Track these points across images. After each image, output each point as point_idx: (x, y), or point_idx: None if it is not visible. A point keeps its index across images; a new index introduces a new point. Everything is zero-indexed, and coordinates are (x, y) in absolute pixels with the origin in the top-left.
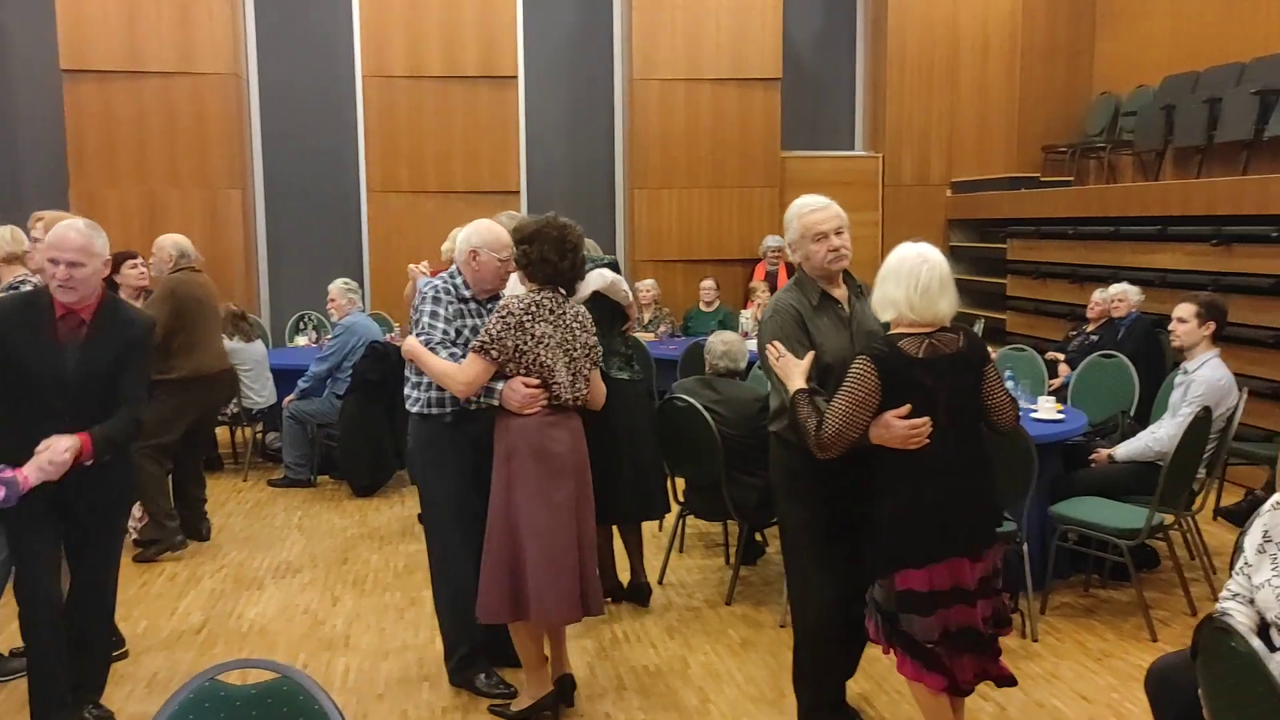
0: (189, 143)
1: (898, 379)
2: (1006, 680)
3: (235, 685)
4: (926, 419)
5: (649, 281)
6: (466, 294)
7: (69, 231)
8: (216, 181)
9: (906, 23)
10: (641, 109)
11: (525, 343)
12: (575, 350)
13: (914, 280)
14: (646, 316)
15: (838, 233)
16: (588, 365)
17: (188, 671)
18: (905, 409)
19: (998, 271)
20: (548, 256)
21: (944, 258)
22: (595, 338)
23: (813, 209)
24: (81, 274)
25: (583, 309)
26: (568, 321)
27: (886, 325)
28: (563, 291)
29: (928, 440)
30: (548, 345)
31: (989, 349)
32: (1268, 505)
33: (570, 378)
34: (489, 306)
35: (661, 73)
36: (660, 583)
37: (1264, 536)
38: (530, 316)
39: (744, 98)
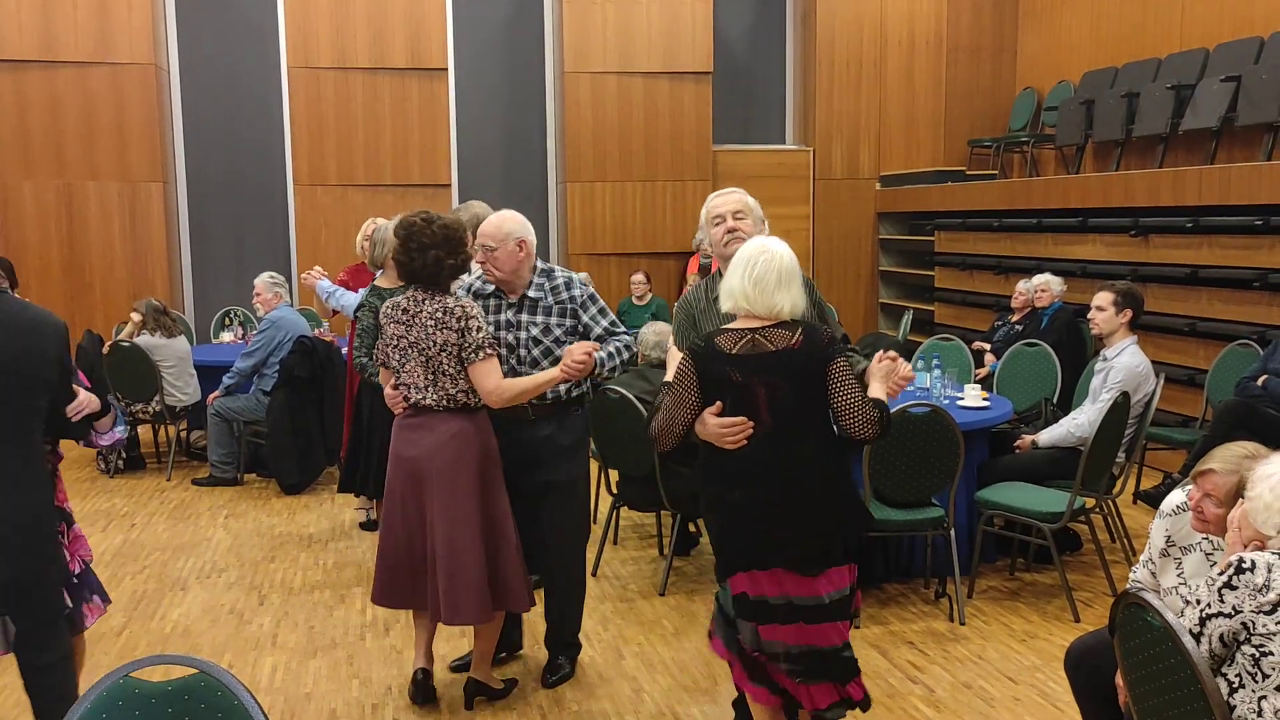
0: (107, 134)
1: (711, 375)
2: (861, 704)
3: (151, 682)
4: (743, 419)
5: (583, 275)
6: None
7: None
8: (137, 174)
9: (834, 19)
10: (573, 102)
11: (382, 343)
12: (430, 350)
13: (750, 270)
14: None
15: (736, 215)
16: (452, 365)
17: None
18: (717, 406)
19: (926, 264)
20: (398, 255)
21: (790, 253)
22: (458, 335)
23: (716, 194)
24: None
25: (447, 305)
26: (422, 320)
27: (730, 316)
28: (425, 290)
29: (745, 441)
30: (397, 346)
31: (840, 350)
32: (1167, 507)
33: (429, 378)
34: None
35: (593, 66)
36: (594, 574)
37: (1167, 541)
38: (385, 316)
39: (675, 92)
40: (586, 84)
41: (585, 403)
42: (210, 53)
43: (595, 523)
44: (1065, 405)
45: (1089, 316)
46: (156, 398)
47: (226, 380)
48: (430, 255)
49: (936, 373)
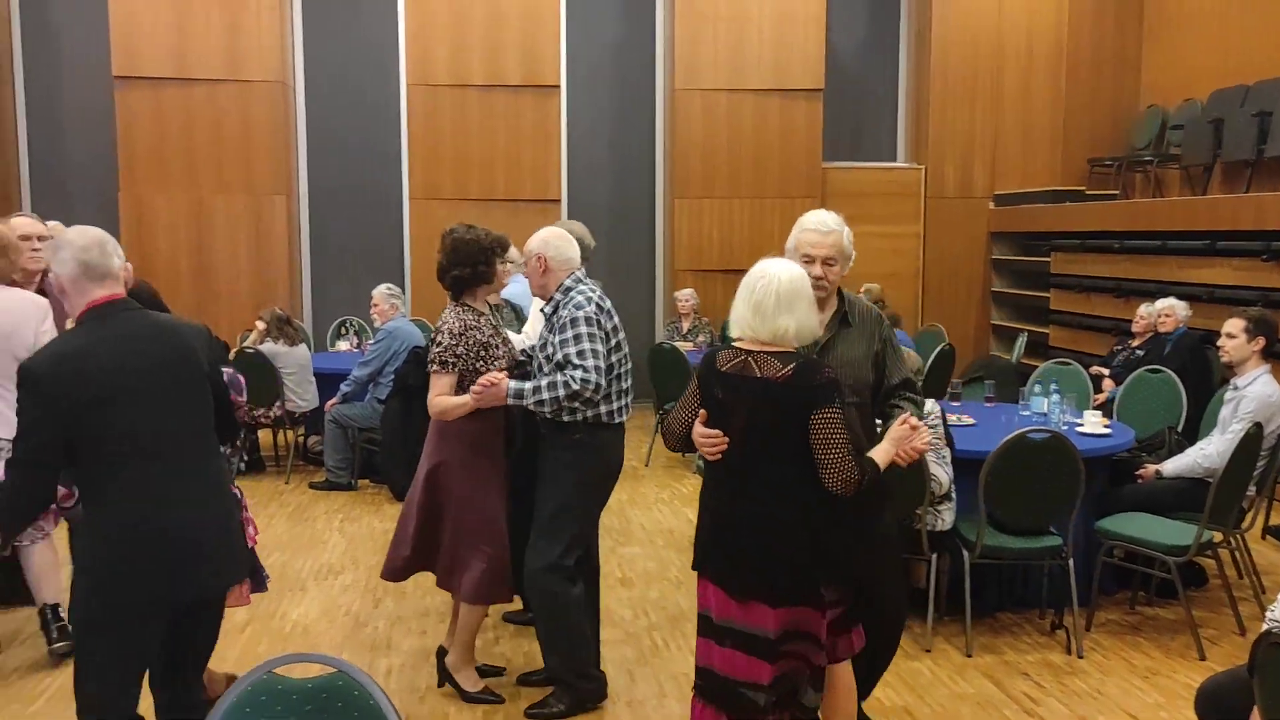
0: (236, 149)
1: (705, 387)
2: None
3: (292, 679)
4: (718, 433)
5: (688, 291)
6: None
7: None
8: (262, 187)
9: (950, 33)
10: (683, 119)
11: None
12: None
13: (749, 294)
14: (686, 326)
15: (827, 261)
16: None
17: (233, 668)
18: (703, 415)
19: (1041, 285)
20: None
21: (791, 274)
22: (433, 344)
23: (812, 228)
24: None
25: (443, 315)
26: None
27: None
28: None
29: (719, 454)
30: None
31: (830, 397)
32: None
33: None
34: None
35: (704, 83)
36: None
37: None
38: None
39: (786, 108)
40: (697, 101)
41: (587, 433)
42: (334, 70)
43: None
44: (1189, 434)
45: (1219, 344)
46: (278, 403)
47: (344, 388)
48: (440, 264)
49: (1055, 398)
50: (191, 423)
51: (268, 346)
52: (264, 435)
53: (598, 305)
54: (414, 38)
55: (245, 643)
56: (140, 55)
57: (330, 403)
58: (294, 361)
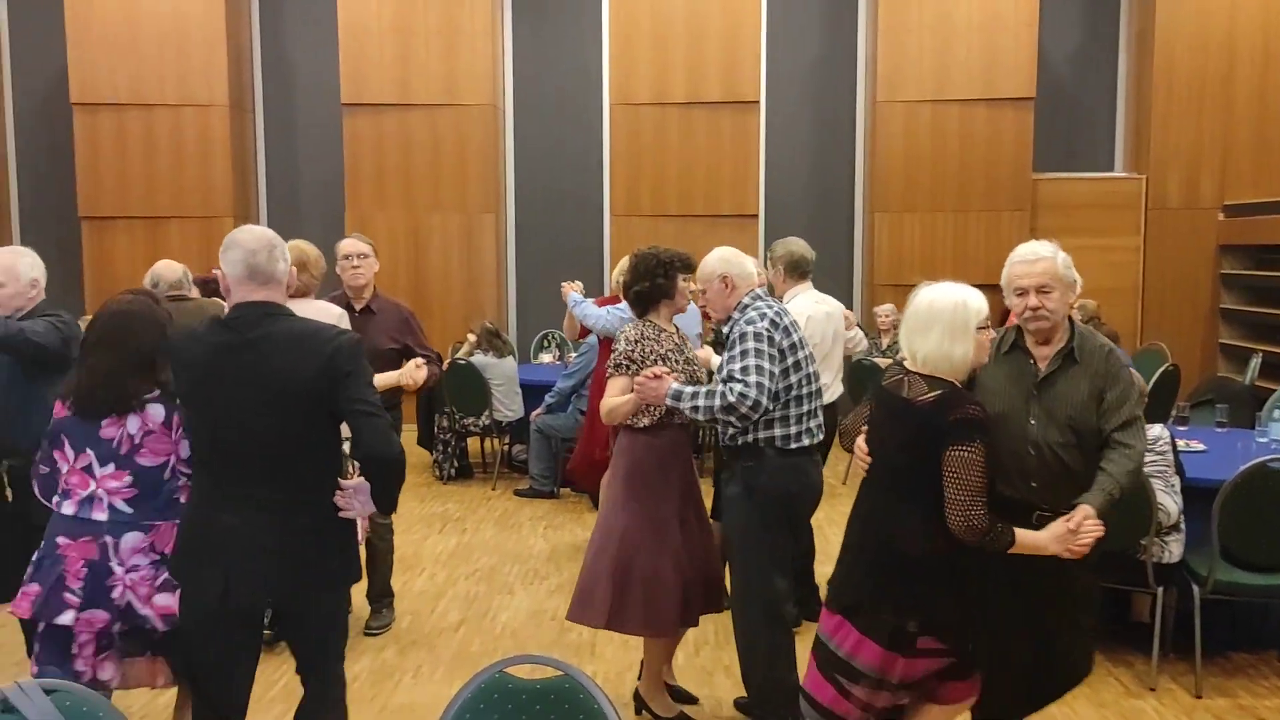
0: (450, 170)
1: (873, 398)
2: None
3: (522, 679)
4: (863, 446)
5: (888, 306)
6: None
7: None
8: (473, 206)
9: (1175, 35)
10: (884, 131)
11: None
12: None
13: (906, 313)
14: (885, 341)
15: (1041, 290)
16: None
17: (449, 666)
18: (864, 429)
19: (1278, 302)
20: None
21: (943, 301)
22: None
23: (1019, 259)
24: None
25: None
26: None
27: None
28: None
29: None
30: None
31: (961, 437)
32: None
33: None
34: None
35: (906, 94)
36: None
37: None
38: None
39: (993, 118)
40: (899, 113)
41: (759, 459)
42: (541, 92)
43: None
44: None
45: None
46: (486, 412)
47: (548, 399)
48: (624, 282)
49: None
50: (271, 436)
51: (478, 358)
52: (472, 443)
53: (771, 322)
54: (617, 58)
55: (459, 642)
56: (366, 83)
57: (535, 413)
58: (501, 373)
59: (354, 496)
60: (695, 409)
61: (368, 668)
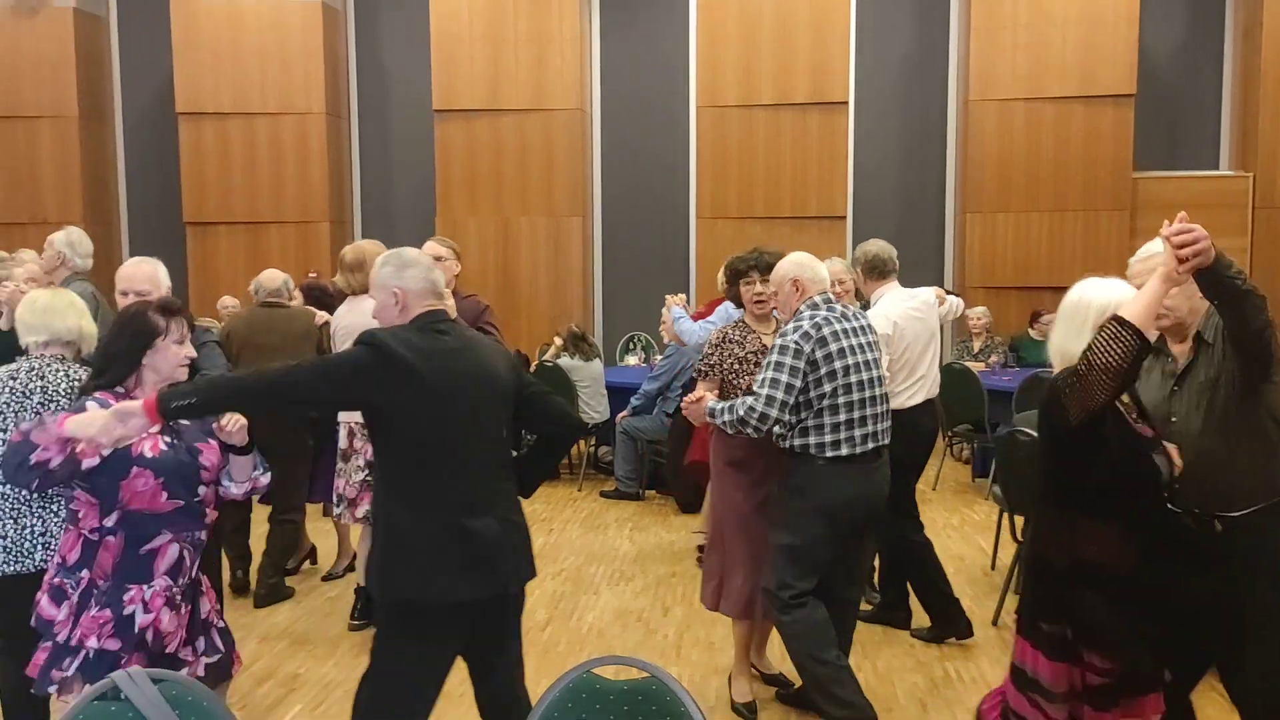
0: (538, 174)
1: None
2: None
3: (609, 680)
4: None
5: (980, 309)
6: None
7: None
8: (561, 209)
9: None
10: (977, 131)
11: None
12: None
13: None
14: (977, 345)
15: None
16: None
17: (536, 665)
18: None
19: None
20: None
21: (1083, 295)
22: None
23: (1137, 257)
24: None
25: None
26: None
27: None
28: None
29: None
30: None
31: (1050, 424)
32: None
33: None
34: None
35: (1000, 93)
36: (994, 624)
37: None
38: None
39: (1091, 115)
40: (992, 111)
41: (794, 464)
42: (628, 96)
43: (994, 569)
44: None
45: None
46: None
47: (634, 401)
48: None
49: None
50: (498, 431)
51: (564, 360)
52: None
53: (804, 334)
54: (704, 61)
55: (545, 641)
56: (457, 90)
57: (621, 415)
58: (588, 375)
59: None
60: (723, 423)
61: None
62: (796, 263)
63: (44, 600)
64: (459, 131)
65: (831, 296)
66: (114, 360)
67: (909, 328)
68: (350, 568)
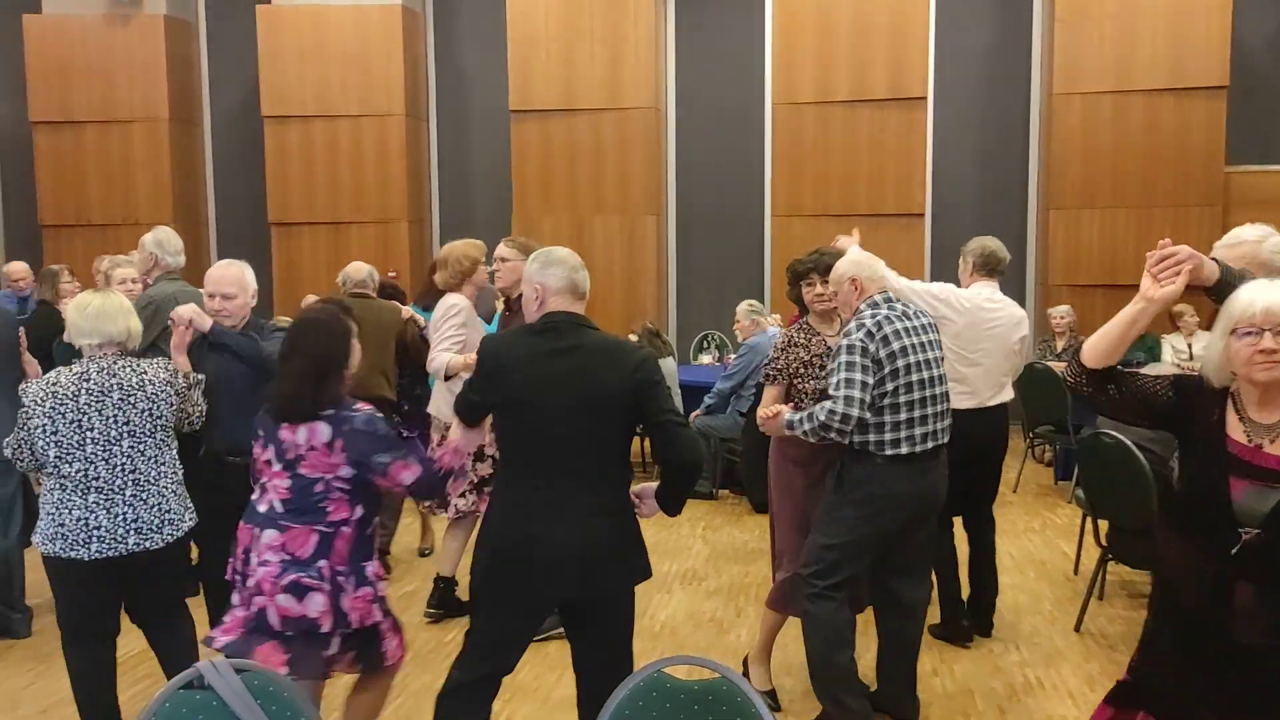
0: (613, 173)
1: None
2: None
3: (680, 679)
4: None
5: (1064, 308)
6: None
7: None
8: (635, 208)
9: None
10: (1061, 125)
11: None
12: None
13: None
14: (1060, 344)
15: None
16: None
17: None
18: None
19: None
20: None
21: (1234, 294)
22: None
23: (1222, 244)
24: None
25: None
26: None
27: None
28: None
29: None
30: None
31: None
32: None
33: None
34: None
35: (1085, 86)
36: (1077, 630)
37: None
38: None
39: (1182, 108)
40: (1077, 105)
41: (850, 461)
42: (702, 94)
43: (1077, 573)
44: None
45: None
46: None
47: (707, 400)
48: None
49: None
50: (585, 440)
51: None
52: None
53: (868, 332)
54: (780, 57)
55: None
56: (533, 91)
57: (694, 414)
58: (663, 372)
59: (644, 501)
60: (804, 433)
61: (529, 660)
62: (854, 261)
63: (285, 600)
64: (534, 131)
65: (892, 295)
66: (342, 365)
67: (973, 323)
68: (427, 552)
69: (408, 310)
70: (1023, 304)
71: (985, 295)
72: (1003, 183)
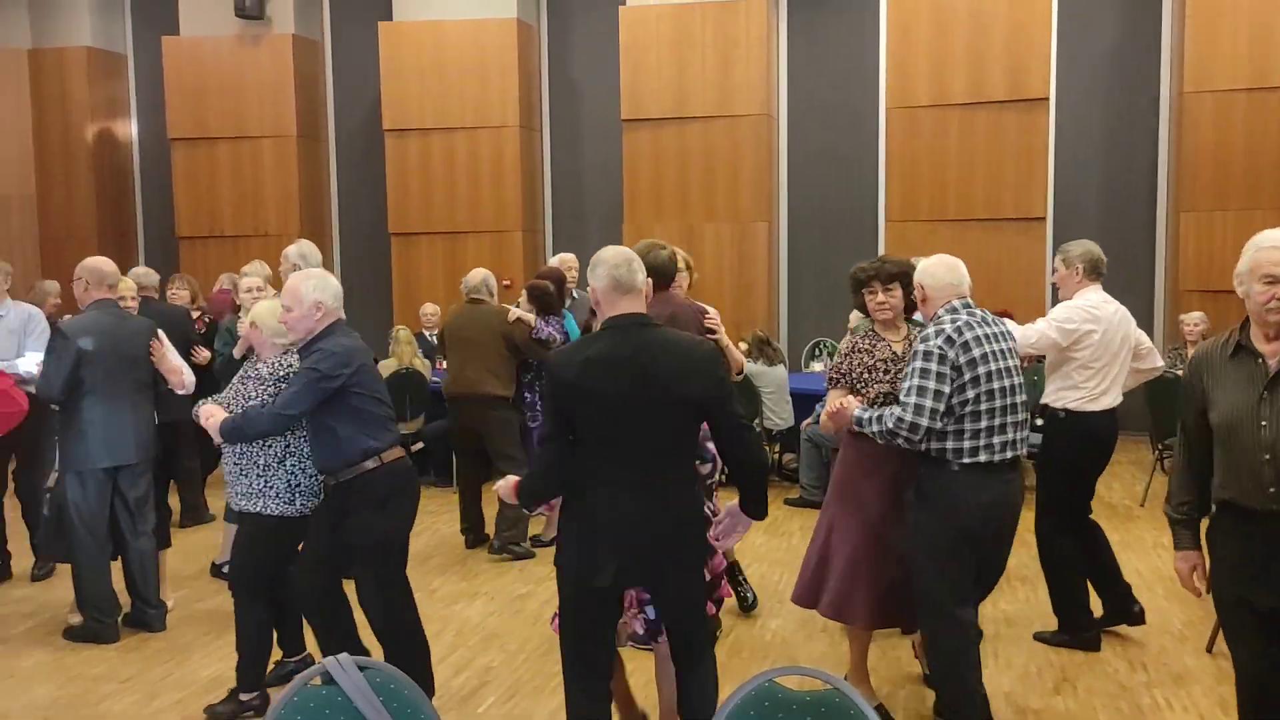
0: (724, 179)
1: None
2: None
3: (791, 690)
4: None
5: (1196, 315)
6: None
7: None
8: (745, 214)
9: None
10: (1192, 124)
11: None
12: None
13: None
14: (1191, 353)
15: None
16: None
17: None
18: None
19: None
20: None
21: None
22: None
23: (1271, 244)
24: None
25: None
26: None
27: None
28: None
29: None
30: None
31: None
32: None
33: None
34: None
35: (1218, 84)
36: (1209, 651)
37: None
38: None
39: None
40: (1209, 104)
41: (929, 470)
42: (815, 99)
43: (1208, 591)
44: None
45: None
46: (757, 420)
47: (818, 408)
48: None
49: None
50: (654, 435)
51: (749, 366)
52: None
53: (948, 338)
54: (894, 61)
55: (729, 647)
56: (644, 99)
57: (806, 422)
58: (772, 381)
59: (734, 519)
60: (873, 433)
61: (639, 667)
62: (922, 268)
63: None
64: (646, 140)
65: (971, 301)
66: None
67: (1116, 322)
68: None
69: (514, 312)
70: (1151, 310)
71: (1101, 299)
72: (1129, 185)
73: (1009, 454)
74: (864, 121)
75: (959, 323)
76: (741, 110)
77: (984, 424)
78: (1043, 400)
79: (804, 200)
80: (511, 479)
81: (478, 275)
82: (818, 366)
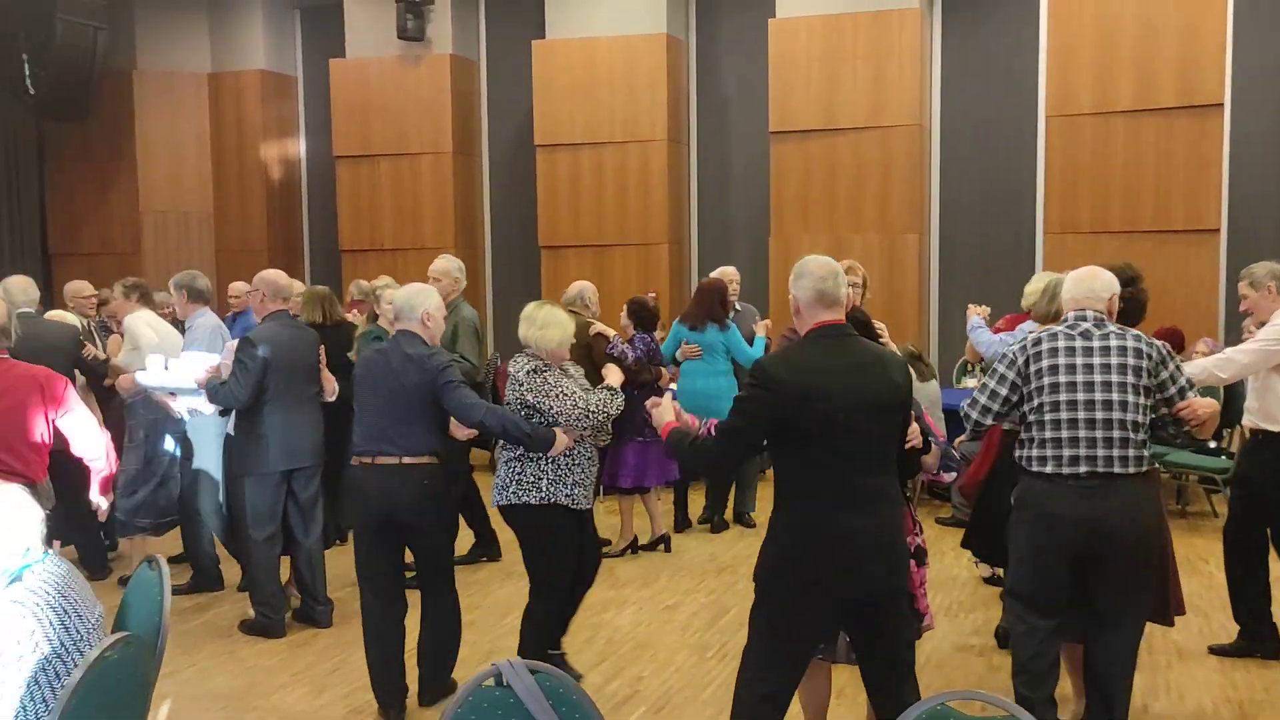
0: (873, 191)
1: None
2: None
3: (965, 715)
4: None
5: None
6: None
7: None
8: (895, 226)
9: None
10: None
11: None
12: None
13: None
14: None
15: None
16: None
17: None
18: None
19: None
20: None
21: None
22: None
23: None
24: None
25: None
26: None
27: None
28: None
29: None
30: None
31: None
32: None
33: None
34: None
35: None
36: None
37: None
38: None
39: None
40: None
41: (1022, 477)
42: (969, 109)
43: None
44: None
45: None
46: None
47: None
48: None
49: None
50: (873, 443)
51: None
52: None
53: (1024, 345)
54: (1055, 67)
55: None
56: (793, 112)
57: (958, 440)
58: (925, 396)
59: None
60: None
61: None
62: (1070, 276)
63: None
64: (794, 152)
65: (1099, 314)
66: None
67: None
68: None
69: (596, 326)
70: None
71: None
72: None
73: (1081, 468)
74: (1021, 130)
75: (1053, 330)
76: (892, 121)
77: (1049, 434)
78: (1245, 422)
79: (956, 212)
80: (668, 406)
81: (575, 288)
82: (971, 382)
